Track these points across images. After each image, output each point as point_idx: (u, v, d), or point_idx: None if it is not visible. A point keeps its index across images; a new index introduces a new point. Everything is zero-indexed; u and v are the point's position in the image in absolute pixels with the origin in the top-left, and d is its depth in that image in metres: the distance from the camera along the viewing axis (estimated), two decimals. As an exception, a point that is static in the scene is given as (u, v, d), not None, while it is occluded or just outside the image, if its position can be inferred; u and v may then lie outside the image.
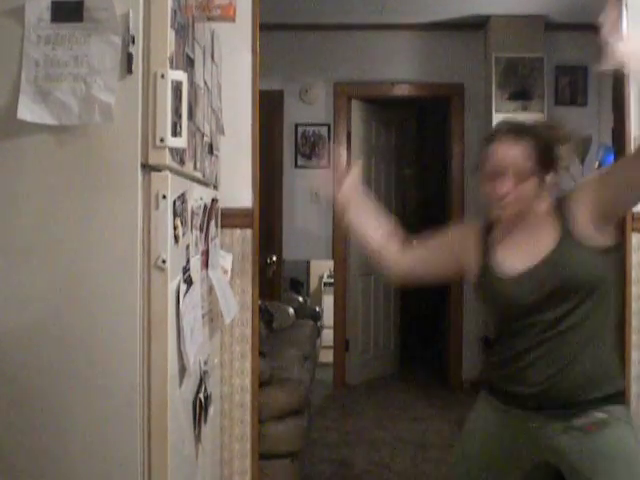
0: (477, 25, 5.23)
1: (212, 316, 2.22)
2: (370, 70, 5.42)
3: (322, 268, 6.35)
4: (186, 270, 1.79)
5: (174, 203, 1.66)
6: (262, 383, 2.82)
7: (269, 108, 5.16)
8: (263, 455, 2.76)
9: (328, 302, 6.07)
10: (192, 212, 1.87)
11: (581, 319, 1.77)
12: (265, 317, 4.59)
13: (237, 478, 2.66)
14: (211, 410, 2.15)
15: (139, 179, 1.61)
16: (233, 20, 2.50)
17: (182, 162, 1.76)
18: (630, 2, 2.60)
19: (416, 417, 4.63)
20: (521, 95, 5.06)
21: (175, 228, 1.67)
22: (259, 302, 4.91)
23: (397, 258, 2.04)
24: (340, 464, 3.69)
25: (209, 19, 2.30)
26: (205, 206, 2.07)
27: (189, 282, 1.80)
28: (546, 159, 1.82)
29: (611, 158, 3.84)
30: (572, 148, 1.88)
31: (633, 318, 2.60)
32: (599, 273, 1.78)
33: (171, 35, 1.64)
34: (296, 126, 5.59)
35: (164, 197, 1.62)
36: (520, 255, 1.84)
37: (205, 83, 2.09)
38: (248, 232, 2.63)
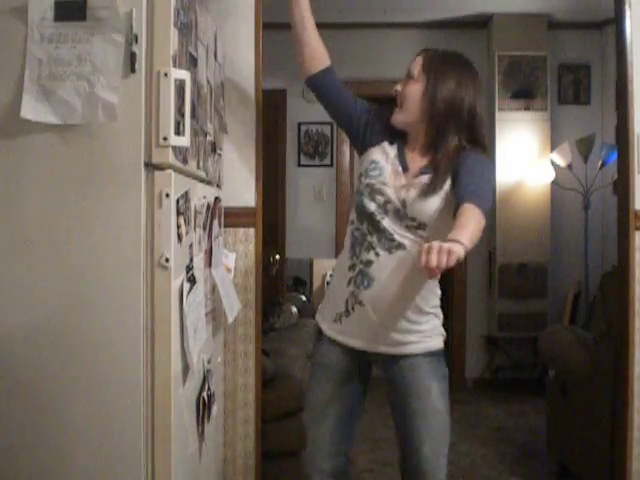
0: (480, 23, 5.22)
1: (215, 315, 2.22)
2: (373, 69, 5.42)
3: (325, 267, 6.35)
4: (189, 269, 1.79)
5: (177, 202, 1.67)
6: (265, 381, 2.82)
7: (272, 107, 5.16)
8: (266, 454, 2.76)
9: (331, 301, 6.07)
10: (195, 211, 1.87)
11: None
12: (275, 313, 4.61)
13: (240, 477, 2.65)
14: (214, 409, 2.15)
15: (142, 178, 1.61)
16: None
17: (185, 161, 1.76)
18: (633, 2, 2.61)
19: (419, 416, 4.61)
20: (524, 93, 5.06)
21: (178, 227, 1.68)
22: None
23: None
24: (343, 463, 3.68)
25: None
26: (208, 205, 2.07)
27: (192, 281, 1.80)
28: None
29: (614, 156, 3.83)
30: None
31: (636, 318, 2.60)
32: None
33: (174, 34, 1.65)
34: (299, 125, 5.59)
35: (167, 196, 1.62)
36: None
37: (208, 82, 2.09)
38: (251, 231, 2.63)
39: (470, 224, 1.66)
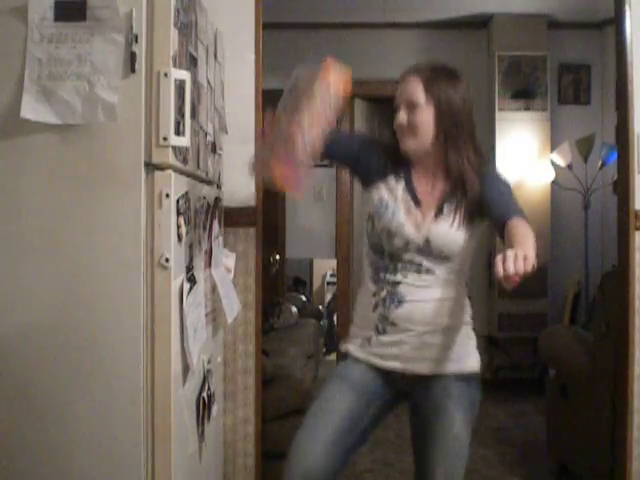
0: (480, 23, 5.22)
1: (215, 315, 2.22)
2: (372, 69, 5.41)
3: (325, 267, 6.36)
4: (189, 269, 1.79)
5: (177, 202, 1.67)
6: (265, 382, 2.82)
7: (272, 107, 5.16)
8: (266, 454, 2.76)
9: (331, 301, 6.08)
10: (195, 211, 1.88)
11: None
12: (275, 313, 4.62)
13: (240, 477, 2.65)
14: (214, 409, 2.15)
15: (142, 178, 1.61)
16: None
17: (185, 161, 1.76)
18: (633, 2, 2.61)
19: (419, 416, 4.61)
20: (524, 94, 5.06)
21: (178, 227, 1.68)
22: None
23: None
24: (343, 463, 3.68)
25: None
26: (208, 205, 2.07)
27: (192, 281, 1.80)
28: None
29: (614, 156, 3.83)
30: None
31: (637, 317, 2.60)
32: None
33: (174, 34, 1.65)
34: (299, 125, 5.59)
35: (167, 196, 1.62)
36: None
37: (208, 82, 2.09)
38: (251, 231, 2.63)
39: (529, 236, 1.59)
